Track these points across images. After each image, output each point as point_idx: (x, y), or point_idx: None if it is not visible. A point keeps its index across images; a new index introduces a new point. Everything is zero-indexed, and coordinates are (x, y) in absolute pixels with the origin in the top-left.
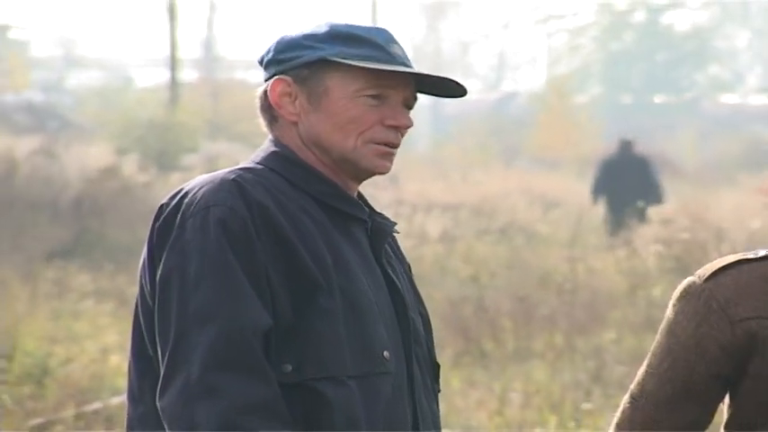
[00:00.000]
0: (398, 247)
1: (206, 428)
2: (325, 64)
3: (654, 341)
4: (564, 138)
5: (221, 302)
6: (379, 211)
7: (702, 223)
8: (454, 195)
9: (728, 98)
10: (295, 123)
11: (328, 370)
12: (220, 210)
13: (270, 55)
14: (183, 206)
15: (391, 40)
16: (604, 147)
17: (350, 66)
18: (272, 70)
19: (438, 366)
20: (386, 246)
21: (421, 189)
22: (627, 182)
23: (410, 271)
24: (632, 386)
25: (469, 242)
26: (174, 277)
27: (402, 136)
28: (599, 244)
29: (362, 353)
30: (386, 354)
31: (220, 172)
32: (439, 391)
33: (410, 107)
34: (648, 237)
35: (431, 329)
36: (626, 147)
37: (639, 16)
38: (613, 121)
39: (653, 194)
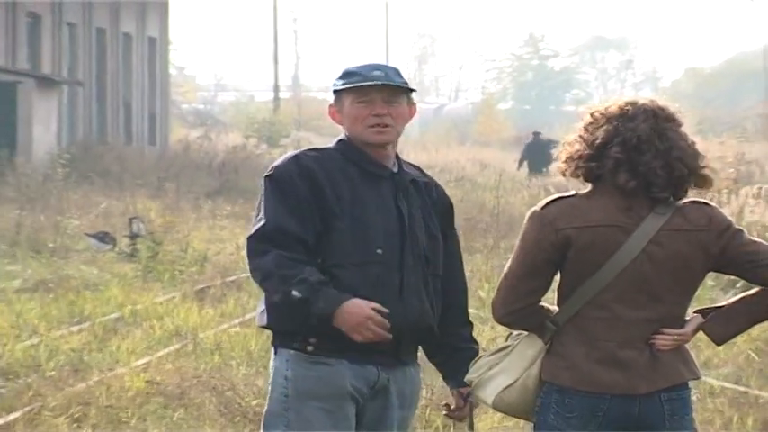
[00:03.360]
0: (428, 193)
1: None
2: (339, 92)
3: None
4: (492, 129)
5: (268, 215)
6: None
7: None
8: (431, 161)
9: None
10: (343, 125)
11: (338, 260)
12: (275, 171)
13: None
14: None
15: (374, 68)
16: (516, 134)
17: (345, 89)
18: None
19: (428, 260)
20: (411, 191)
21: (414, 158)
22: (538, 155)
23: (433, 206)
24: (505, 268)
25: None
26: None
27: (392, 118)
28: (513, 188)
29: (362, 250)
30: (378, 251)
31: (297, 150)
32: (437, 275)
33: (392, 101)
34: (541, 185)
35: (435, 243)
36: (537, 135)
37: (534, 61)
38: (519, 120)
39: (550, 162)
